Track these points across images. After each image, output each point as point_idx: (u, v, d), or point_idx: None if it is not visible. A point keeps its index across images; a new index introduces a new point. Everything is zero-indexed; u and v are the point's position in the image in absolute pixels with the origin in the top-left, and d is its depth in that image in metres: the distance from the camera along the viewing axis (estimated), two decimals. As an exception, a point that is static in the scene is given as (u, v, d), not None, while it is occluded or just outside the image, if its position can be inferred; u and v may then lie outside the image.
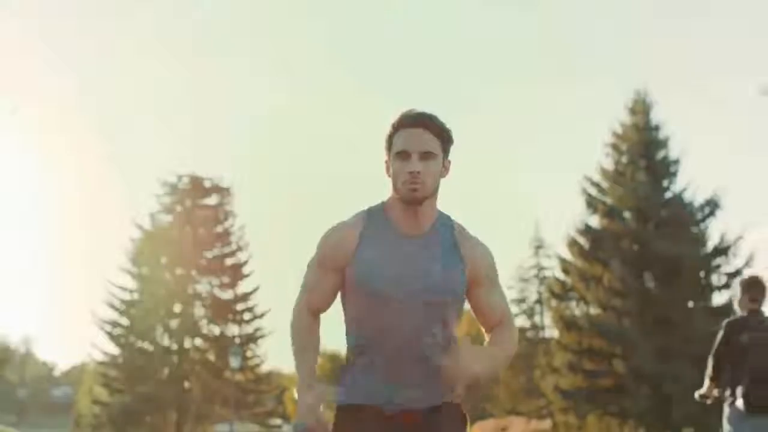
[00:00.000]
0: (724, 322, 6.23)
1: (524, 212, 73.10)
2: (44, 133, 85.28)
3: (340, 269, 2.97)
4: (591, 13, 73.14)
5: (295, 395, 2.92)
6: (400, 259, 2.92)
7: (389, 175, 2.98)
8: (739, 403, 5.88)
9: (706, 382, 6.14)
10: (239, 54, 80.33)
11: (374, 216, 3.00)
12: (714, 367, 6.12)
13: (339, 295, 3.05)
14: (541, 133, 75.16)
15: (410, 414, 2.92)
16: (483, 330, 3.12)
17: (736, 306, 6.39)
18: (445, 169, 2.99)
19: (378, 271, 2.90)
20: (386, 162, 3.00)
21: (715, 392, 6.13)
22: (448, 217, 3.05)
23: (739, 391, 5.90)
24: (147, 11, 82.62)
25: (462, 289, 2.97)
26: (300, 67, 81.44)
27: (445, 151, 2.98)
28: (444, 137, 2.96)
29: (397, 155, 2.92)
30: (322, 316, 3.11)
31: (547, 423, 34.27)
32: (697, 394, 6.32)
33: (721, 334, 6.12)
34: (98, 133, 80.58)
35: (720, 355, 6.07)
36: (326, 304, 3.06)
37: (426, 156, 2.90)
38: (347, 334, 3.03)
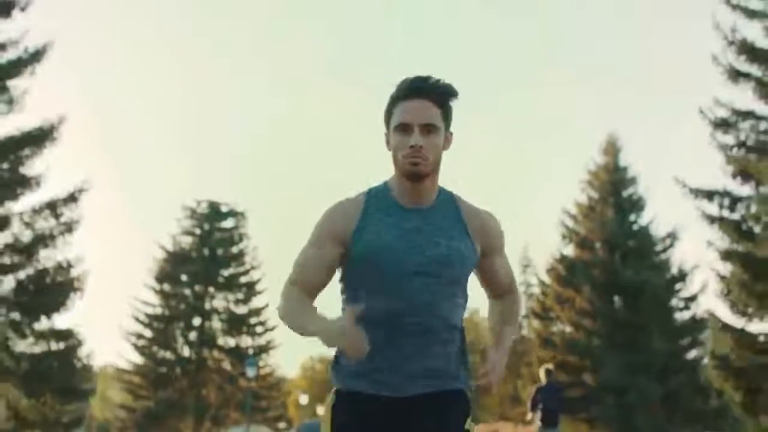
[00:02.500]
0: (535, 387, 13.44)
1: (515, 230, 78.15)
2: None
3: (340, 243, 2.93)
4: (590, 18, 78.22)
5: (326, 340, 2.74)
6: (403, 232, 2.90)
7: (389, 149, 2.94)
8: (538, 422, 12.08)
9: (529, 414, 12.25)
10: (244, 65, 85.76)
11: (376, 193, 2.99)
12: (531, 407, 13.04)
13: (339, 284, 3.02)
14: (537, 142, 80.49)
15: (410, 400, 2.90)
16: (487, 293, 3.19)
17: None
18: (447, 141, 2.95)
19: (381, 245, 2.88)
20: (386, 135, 2.96)
21: (534, 417, 12.21)
22: (449, 191, 3.03)
23: (539, 415, 12.10)
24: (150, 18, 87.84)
25: (471, 264, 2.97)
26: (302, 77, 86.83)
27: (447, 122, 2.93)
28: (446, 107, 2.92)
29: (397, 128, 2.88)
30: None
31: (533, 428, 39.74)
32: (527, 417, 12.82)
33: (533, 392, 13.35)
34: (100, 139, 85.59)
35: (533, 401, 13.08)
36: (318, 281, 2.97)
37: (427, 129, 2.86)
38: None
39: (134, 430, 40.93)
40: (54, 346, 21.29)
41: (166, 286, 41.40)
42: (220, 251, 42.02)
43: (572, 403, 33.58)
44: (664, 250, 34.59)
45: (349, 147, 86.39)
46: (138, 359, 41.01)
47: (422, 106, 2.87)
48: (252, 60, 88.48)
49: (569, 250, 35.28)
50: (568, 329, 34.66)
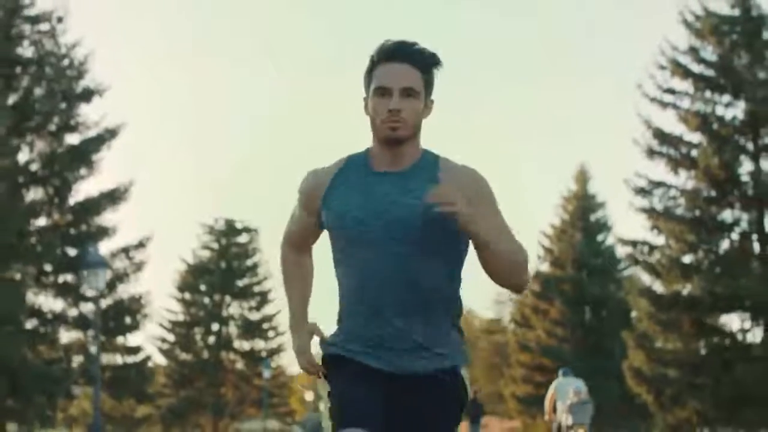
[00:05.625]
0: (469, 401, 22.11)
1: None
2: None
3: (314, 212, 3.10)
4: (589, 15, 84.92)
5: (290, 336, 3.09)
6: (370, 196, 2.97)
7: (367, 113, 3.00)
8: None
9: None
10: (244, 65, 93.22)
11: (353, 158, 3.08)
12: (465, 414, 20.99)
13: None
14: (533, 144, 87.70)
15: (398, 377, 2.96)
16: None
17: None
18: (427, 108, 3.01)
19: (344, 212, 2.97)
20: (365, 100, 3.02)
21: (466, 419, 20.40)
22: (435, 154, 3.05)
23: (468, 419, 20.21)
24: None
25: (443, 223, 2.88)
26: (304, 78, 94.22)
27: (429, 87, 3.00)
28: (428, 72, 2.98)
29: (376, 91, 2.94)
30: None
31: (516, 422, 47.58)
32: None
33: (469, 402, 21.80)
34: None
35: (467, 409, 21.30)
36: (303, 241, 3.24)
37: (407, 93, 2.92)
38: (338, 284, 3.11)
39: (159, 424, 48.36)
40: (129, 359, 29.32)
41: (187, 295, 48.28)
42: (235, 264, 48.91)
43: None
44: (627, 267, 42.38)
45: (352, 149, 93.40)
46: (162, 361, 48.40)
47: (403, 69, 2.93)
48: (253, 62, 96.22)
49: (545, 267, 43.16)
50: (543, 336, 42.52)
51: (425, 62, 2.97)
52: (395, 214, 2.93)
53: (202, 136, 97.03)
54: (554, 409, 17.12)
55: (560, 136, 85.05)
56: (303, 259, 3.28)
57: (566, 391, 16.69)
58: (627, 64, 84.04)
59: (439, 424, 3.04)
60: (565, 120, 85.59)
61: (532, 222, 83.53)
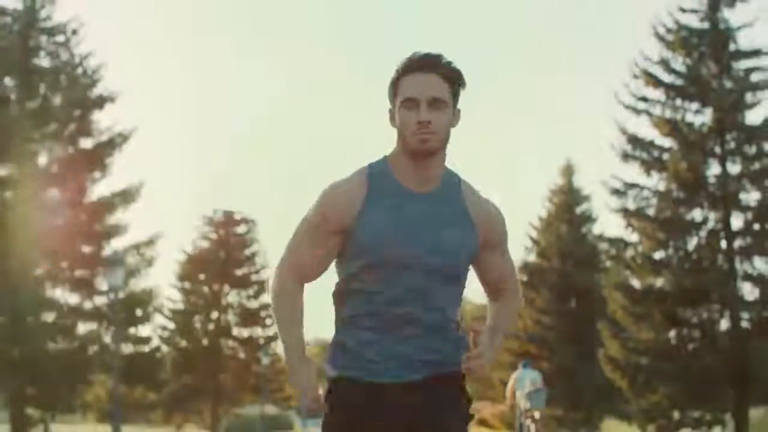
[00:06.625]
0: None
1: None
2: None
3: (341, 232, 3.05)
4: (588, 6, 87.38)
5: (288, 368, 3.04)
6: (406, 220, 3.01)
7: (394, 125, 3.05)
8: None
9: None
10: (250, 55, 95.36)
11: (377, 173, 3.08)
12: None
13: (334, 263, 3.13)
14: (526, 137, 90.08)
15: (405, 386, 3.03)
16: (485, 290, 3.30)
17: None
18: (455, 117, 3.06)
19: (382, 233, 2.98)
20: (390, 111, 3.07)
21: None
22: (455, 174, 3.14)
23: None
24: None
25: (473, 255, 3.11)
26: (302, 69, 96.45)
27: (455, 98, 3.05)
28: (454, 82, 3.03)
29: (404, 103, 2.99)
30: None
31: (504, 407, 50.15)
32: None
33: None
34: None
35: None
36: (316, 272, 3.13)
37: (436, 103, 2.98)
38: (340, 305, 3.15)
39: (161, 409, 50.72)
40: (140, 349, 32.00)
41: (187, 284, 50.31)
42: (234, 254, 51.41)
43: (531, 386, 44.38)
44: (608, 258, 45.01)
45: (352, 139, 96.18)
46: (163, 348, 50.66)
47: (430, 80, 2.98)
48: (251, 56, 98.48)
49: (532, 257, 45.82)
50: (530, 324, 45.17)
51: (451, 73, 3.04)
52: (435, 243, 3.03)
53: (200, 130, 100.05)
54: (514, 396, 20.18)
55: (551, 129, 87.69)
56: (302, 295, 3.19)
57: (525, 382, 19.86)
58: (622, 61, 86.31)
59: (456, 407, 3.14)
60: (557, 112, 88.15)
61: (522, 213, 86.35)
